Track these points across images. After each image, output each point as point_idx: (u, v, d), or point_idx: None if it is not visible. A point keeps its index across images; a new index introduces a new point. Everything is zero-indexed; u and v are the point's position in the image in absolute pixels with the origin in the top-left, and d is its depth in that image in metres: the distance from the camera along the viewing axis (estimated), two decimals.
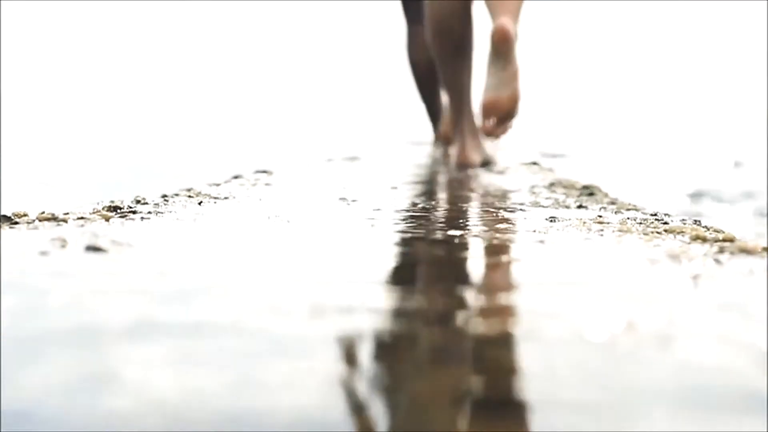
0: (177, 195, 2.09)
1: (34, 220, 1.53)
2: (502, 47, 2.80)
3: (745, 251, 1.34)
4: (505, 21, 2.80)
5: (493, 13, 2.87)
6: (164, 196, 2.04)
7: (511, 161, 3.61)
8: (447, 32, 2.99)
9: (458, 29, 2.98)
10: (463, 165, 3.18)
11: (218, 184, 2.50)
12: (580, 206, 2.04)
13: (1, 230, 1.43)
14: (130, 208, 1.78)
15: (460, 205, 2.14)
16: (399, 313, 0.97)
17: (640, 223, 1.67)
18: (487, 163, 3.27)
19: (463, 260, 1.34)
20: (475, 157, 3.19)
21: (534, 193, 2.42)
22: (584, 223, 1.69)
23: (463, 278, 1.23)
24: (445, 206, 2.06)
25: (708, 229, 1.55)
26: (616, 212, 1.92)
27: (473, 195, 2.41)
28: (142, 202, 1.89)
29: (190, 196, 2.07)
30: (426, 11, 3.08)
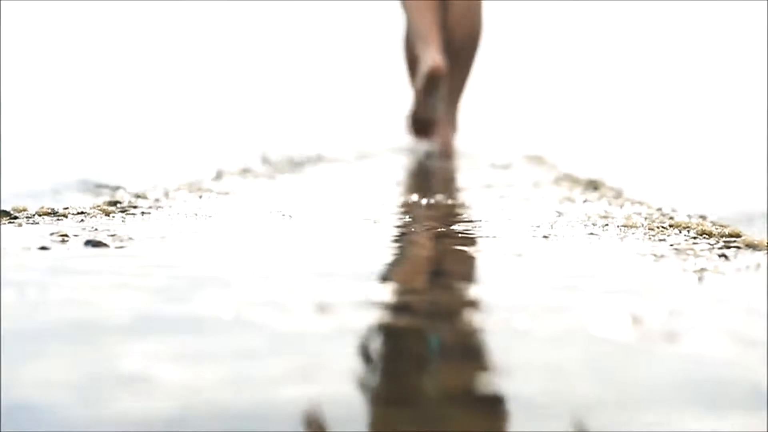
0: (178, 190, 2.08)
1: (33, 215, 1.52)
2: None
3: (752, 246, 1.33)
4: (448, 139, 3.23)
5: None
6: (165, 190, 2.04)
7: (515, 155, 3.61)
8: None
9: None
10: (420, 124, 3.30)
11: (219, 179, 2.49)
12: (585, 201, 2.03)
13: (1, 225, 1.42)
14: (131, 202, 1.77)
15: (464, 199, 2.13)
16: (402, 309, 0.96)
17: (646, 218, 1.66)
18: (441, 152, 3.32)
19: (467, 255, 1.33)
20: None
21: (538, 187, 2.41)
22: (589, 217, 1.68)
23: (467, 273, 1.22)
24: (449, 201, 2.05)
25: (714, 224, 1.54)
26: (621, 206, 1.91)
27: (477, 190, 2.40)
28: (143, 196, 1.88)
29: (190, 191, 2.06)
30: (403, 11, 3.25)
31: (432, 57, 2.96)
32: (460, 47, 3.26)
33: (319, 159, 3.36)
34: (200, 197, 1.96)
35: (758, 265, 1.20)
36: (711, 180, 2.45)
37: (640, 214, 1.75)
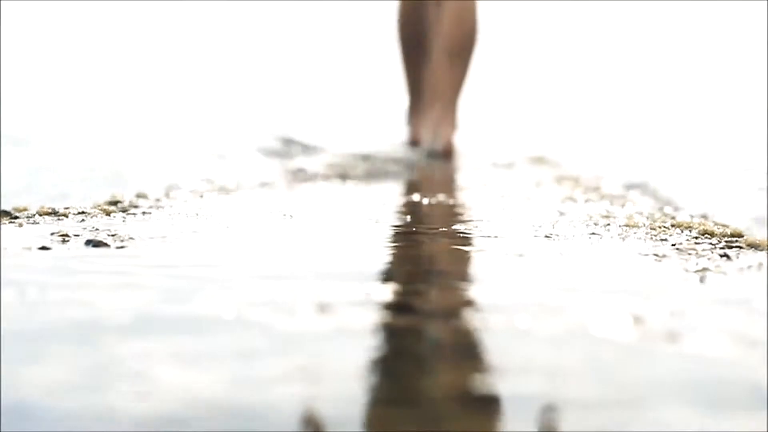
0: (179, 189, 2.07)
1: (34, 215, 1.52)
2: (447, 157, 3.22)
3: (753, 246, 1.32)
4: (449, 138, 3.24)
5: (433, 115, 3.27)
6: (166, 190, 2.03)
7: (517, 155, 3.60)
8: (411, 34, 3.32)
9: (421, 31, 3.31)
10: (415, 143, 3.41)
11: (221, 177, 2.49)
12: (587, 200, 2.03)
13: (1, 225, 1.42)
14: (131, 202, 1.77)
15: (465, 199, 2.13)
16: (402, 309, 0.96)
17: (647, 218, 1.66)
18: (441, 151, 3.36)
19: (468, 255, 1.32)
20: (426, 136, 3.40)
21: (540, 186, 2.41)
22: (591, 217, 1.67)
23: (468, 273, 1.22)
24: (450, 201, 2.05)
25: (716, 224, 1.54)
26: (623, 206, 1.90)
27: (479, 189, 2.40)
28: (144, 196, 1.88)
29: (191, 191, 2.06)
30: (397, 12, 3.41)
31: (415, 132, 3.27)
32: (458, 47, 3.33)
33: (321, 157, 3.35)
34: (201, 197, 1.95)
35: (760, 265, 1.19)
36: (715, 179, 2.45)
37: (641, 213, 1.74)
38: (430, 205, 1.94)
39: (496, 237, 1.44)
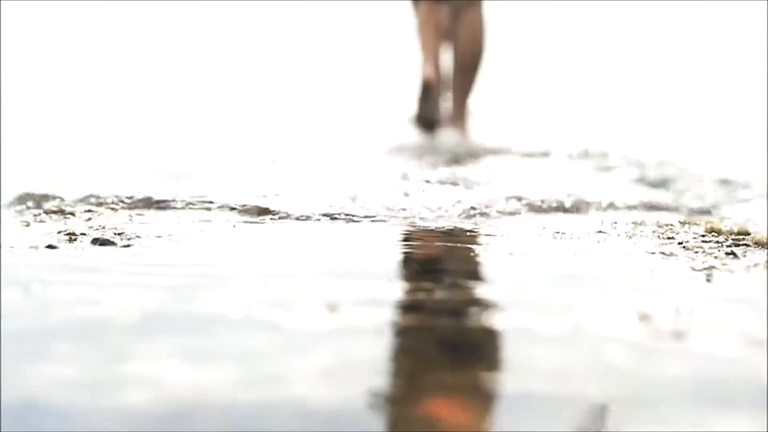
0: (183, 188, 2.07)
1: (40, 213, 1.52)
2: None
3: (760, 244, 1.32)
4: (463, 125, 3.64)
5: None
6: (172, 188, 2.03)
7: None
8: (430, 35, 3.60)
9: (439, 32, 3.59)
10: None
11: (227, 174, 2.48)
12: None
13: (2, 223, 1.42)
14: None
15: (472, 195, 2.12)
16: (411, 307, 0.96)
17: (656, 212, 1.66)
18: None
19: (476, 253, 1.32)
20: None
21: (545, 186, 2.40)
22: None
23: (476, 272, 1.22)
24: (455, 199, 2.04)
25: (722, 222, 1.54)
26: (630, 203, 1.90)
27: (484, 186, 2.39)
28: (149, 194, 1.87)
29: (198, 186, 2.05)
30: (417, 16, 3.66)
31: (426, 70, 3.53)
32: (470, 61, 3.71)
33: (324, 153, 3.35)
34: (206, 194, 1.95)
35: (767, 263, 1.19)
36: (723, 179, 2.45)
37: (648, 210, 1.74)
38: (435, 203, 1.93)
39: (503, 234, 1.44)
